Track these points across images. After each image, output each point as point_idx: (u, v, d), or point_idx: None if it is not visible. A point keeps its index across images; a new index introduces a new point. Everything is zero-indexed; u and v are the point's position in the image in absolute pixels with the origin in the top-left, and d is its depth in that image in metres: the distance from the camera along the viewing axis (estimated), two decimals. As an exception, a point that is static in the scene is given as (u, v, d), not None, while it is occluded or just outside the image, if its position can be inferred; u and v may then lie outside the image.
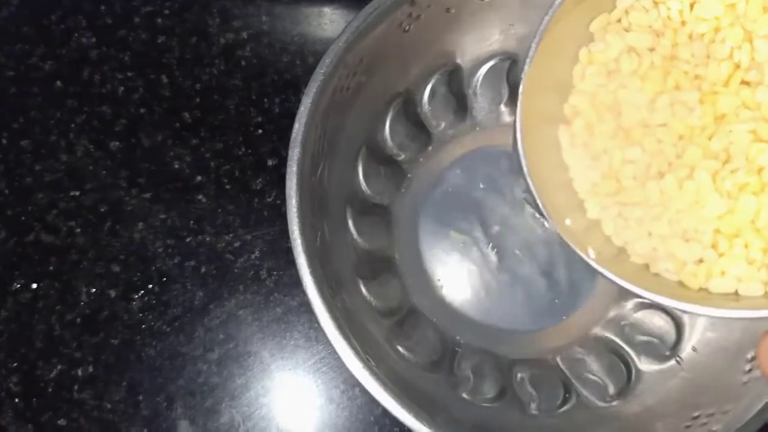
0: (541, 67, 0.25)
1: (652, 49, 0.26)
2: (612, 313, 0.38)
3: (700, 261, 0.25)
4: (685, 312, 0.24)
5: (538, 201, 0.25)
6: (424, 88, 0.39)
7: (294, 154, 0.31)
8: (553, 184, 0.26)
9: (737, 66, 0.25)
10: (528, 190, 0.25)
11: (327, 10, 0.44)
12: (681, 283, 0.25)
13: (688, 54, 0.26)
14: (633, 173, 0.26)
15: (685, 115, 0.25)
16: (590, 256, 0.24)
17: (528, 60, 0.25)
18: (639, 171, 0.26)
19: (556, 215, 0.25)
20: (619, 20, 0.27)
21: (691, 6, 0.26)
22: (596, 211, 0.26)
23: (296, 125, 0.31)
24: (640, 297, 0.24)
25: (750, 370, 0.33)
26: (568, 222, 0.25)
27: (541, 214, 0.25)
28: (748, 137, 0.25)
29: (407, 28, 0.35)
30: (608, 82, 0.26)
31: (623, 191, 0.26)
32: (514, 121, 0.25)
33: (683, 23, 0.26)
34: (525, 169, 0.25)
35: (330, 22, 0.43)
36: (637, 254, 0.26)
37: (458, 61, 0.39)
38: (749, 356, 0.33)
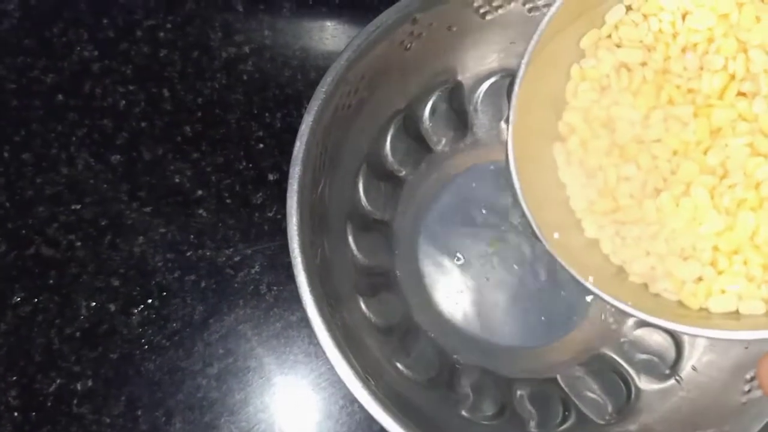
0: (535, 85, 0.25)
1: (643, 64, 0.26)
2: (612, 331, 0.38)
3: (700, 279, 0.25)
4: (685, 334, 0.24)
5: (532, 222, 0.25)
6: (425, 105, 0.39)
7: (295, 172, 0.31)
8: (549, 202, 0.26)
9: (732, 77, 0.25)
10: (522, 213, 0.25)
11: (329, 24, 0.44)
12: (681, 303, 0.25)
13: (680, 67, 0.26)
14: (629, 191, 0.26)
15: (679, 130, 0.25)
16: (587, 279, 0.24)
17: (518, 80, 0.25)
18: (635, 188, 0.26)
19: (550, 235, 0.25)
20: (610, 36, 0.27)
21: (683, 17, 0.26)
22: (594, 230, 0.26)
23: (297, 143, 0.31)
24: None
25: (749, 391, 0.33)
26: (556, 236, 0.25)
27: (534, 234, 0.25)
28: (745, 151, 0.24)
29: (409, 45, 0.35)
30: (601, 98, 0.26)
31: (620, 210, 0.26)
32: (506, 141, 0.25)
33: (675, 35, 0.26)
34: (517, 189, 0.25)
35: (332, 37, 0.44)
36: (635, 274, 0.26)
37: (459, 78, 0.39)
38: (748, 376, 0.33)
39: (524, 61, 0.25)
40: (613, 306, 0.24)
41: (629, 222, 0.26)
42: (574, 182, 0.26)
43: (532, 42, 0.25)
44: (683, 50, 0.26)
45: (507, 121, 0.25)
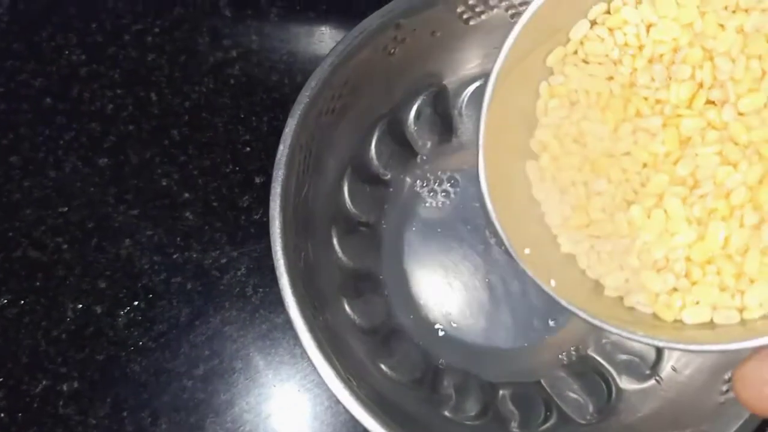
0: (506, 104, 0.25)
1: (610, 78, 0.26)
2: (594, 332, 0.38)
3: (674, 290, 0.25)
4: (659, 347, 0.24)
5: (505, 240, 0.25)
6: (410, 109, 0.39)
7: (278, 175, 0.31)
8: (524, 219, 0.26)
9: (700, 85, 0.25)
10: (495, 231, 0.25)
11: (316, 29, 0.44)
12: (655, 316, 0.25)
13: (647, 79, 0.26)
14: (601, 205, 0.26)
15: (648, 142, 0.25)
16: (562, 296, 0.24)
17: (485, 102, 0.25)
18: (606, 203, 0.26)
19: (522, 251, 0.25)
20: (576, 52, 0.27)
21: (648, 29, 0.26)
22: (569, 245, 0.26)
23: (281, 147, 0.32)
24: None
25: (727, 391, 0.33)
26: (527, 251, 0.25)
27: (508, 251, 0.25)
28: (714, 160, 0.24)
29: (393, 51, 0.36)
30: (571, 113, 0.26)
31: (593, 224, 0.26)
32: (478, 162, 0.25)
33: (641, 47, 0.26)
34: (490, 208, 0.25)
35: (319, 42, 0.44)
36: (610, 288, 0.26)
37: (443, 82, 0.39)
38: (726, 377, 0.33)
39: (490, 83, 0.25)
40: (587, 322, 0.24)
41: (603, 236, 0.26)
42: (548, 199, 0.26)
43: (497, 65, 0.25)
44: (650, 61, 0.26)
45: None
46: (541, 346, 0.38)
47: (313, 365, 0.30)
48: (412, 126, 0.40)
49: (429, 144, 0.40)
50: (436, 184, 0.40)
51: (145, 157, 0.41)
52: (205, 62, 0.43)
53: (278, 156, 0.31)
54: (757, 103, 0.24)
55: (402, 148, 0.40)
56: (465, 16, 0.36)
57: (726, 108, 0.25)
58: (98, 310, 0.39)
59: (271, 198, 0.31)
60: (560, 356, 0.38)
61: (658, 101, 0.26)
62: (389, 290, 0.38)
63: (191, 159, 0.41)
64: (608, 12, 0.26)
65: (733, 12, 0.25)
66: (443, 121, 0.40)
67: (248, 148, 0.41)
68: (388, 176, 0.40)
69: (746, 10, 0.25)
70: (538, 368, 0.38)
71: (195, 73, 0.42)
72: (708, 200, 0.24)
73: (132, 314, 0.39)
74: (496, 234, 0.25)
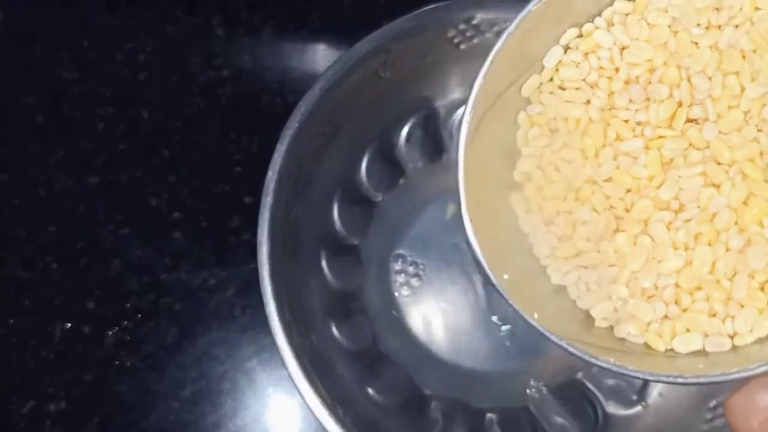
0: (486, 137, 0.25)
1: (588, 102, 0.26)
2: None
3: (665, 318, 0.24)
4: (652, 381, 0.23)
5: (491, 277, 0.24)
6: (401, 131, 0.40)
7: (266, 201, 0.31)
8: (513, 252, 0.25)
9: (679, 104, 0.25)
10: (482, 270, 0.24)
11: (308, 48, 0.44)
12: (647, 346, 0.24)
13: (625, 101, 0.25)
14: (586, 235, 0.25)
15: (630, 166, 0.25)
16: (544, 325, 0.23)
17: (462, 139, 0.24)
18: (591, 232, 0.25)
19: (508, 285, 0.24)
20: (551, 79, 0.26)
21: (621, 51, 0.25)
22: (558, 276, 0.26)
23: (269, 173, 0.32)
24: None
25: (712, 419, 0.33)
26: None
27: (493, 286, 0.24)
28: (698, 182, 0.24)
29: (383, 74, 0.36)
30: (552, 141, 0.26)
31: (581, 254, 0.25)
32: (459, 200, 0.24)
33: (617, 70, 0.25)
34: (475, 247, 0.24)
35: (311, 61, 0.44)
36: (599, 318, 0.25)
37: (434, 105, 0.39)
38: (712, 404, 0.34)
39: (466, 119, 0.24)
40: (577, 357, 0.23)
41: (590, 266, 0.25)
42: (535, 230, 0.26)
43: (472, 98, 0.24)
44: (627, 83, 0.25)
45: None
46: (530, 369, 0.38)
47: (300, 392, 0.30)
48: (403, 148, 0.40)
49: (419, 165, 0.41)
50: (426, 205, 0.40)
51: (135, 176, 0.41)
52: (196, 81, 0.43)
53: (267, 182, 0.32)
54: (737, 121, 0.24)
55: (392, 169, 0.40)
56: (456, 41, 0.36)
57: (707, 126, 0.24)
58: (86, 330, 0.39)
59: (259, 224, 0.31)
60: (548, 379, 0.38)
61: (639, 123, 0.25)
62: (377, 312, 0.38)
63: (181, 179, 0.41)
64: (581, 35, 0.26)
65: (706, 29, 0.25)
66: (434, 143, 0.40)
67: (238, 168, 0.42)
68: (378, 197, 0.40)
69: (719, 27, 0.25)
70: (525, 390, 0.38)
71: (186, 92, 0.43)
72: (692, 225, 0.24)
73: (120, 334, 0.39)
74: (482, 272, 0.24)
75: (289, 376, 0.30)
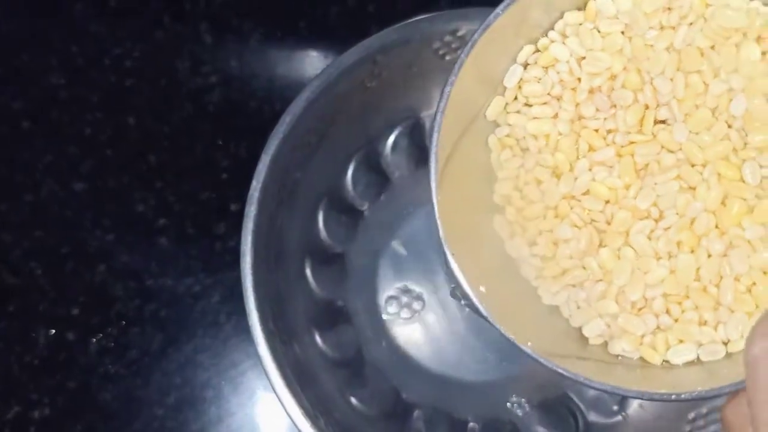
0: (463, 162, 0.25)
1: (555, 116, 0.25)
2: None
3: (658, 329, 0.24)
4: (652, 400, 0.23)
5: (475, 300, 0.24)
6: (387, 140, 0.40)
7: (250, 211, 0.31)
8: (500, 276, 0.25)
9: (647, 107, 0.25)
10: (464, 293, 0.24)
11: (295, 55, 0.44)
12: (643, 360, 0.24)
13: (592, 111, 0.25)
14: (568, 252, 0.25)
15: (605, 176, 0.25)
16: (535, 350, 0.23)
17: (432, 172, 0.24)
18: (574, 249, 0.25)
19: (495, 309, 0.24)
20: (516, 98, 0.26)
21: (580, 62, 0.25)
22: (548, 297, 0.25)
23: (254, 183, 0.32)
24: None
25: (690, 431, 0.34)
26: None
27: (480, 313, 0.24)
28: (673, 187, 0.24)
29: (369, 84, 0.36)
30: (525, 161, 0.26)
31: (567, 272, 0.25)
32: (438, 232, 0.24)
33: (579, 80, 0.25)
34: (458, 275, 0.24)
35: (299, 68, 0.44)
36: (592, 336, 0.25)
37: (419, 115, 0.40)
38: (691, 416, 0.34)
39: (433, 152, 0.24)
40: (572, 380, 0.23)
41: (577, 284, 0.25)
42: (520, 252, 0.26)
43: (433, 143, 0.24)
44: (591, 92, 0.25)
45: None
46: (513, 378, 0.38)
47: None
48: (389, 157, 0.40)
49: (405, 175, 0.41)
50: (411, 215, 0.40)
51: (122, 182, 0.41)
52: (184, 88, 0.43)
53: (251, 192, 0.32)
54: (706, 120, 0.24)
55: (378, 178, 0.40)
56: (441, 52, 0.36)
57: (676, 127, 0.24)
58: (71, 336, 0.39)
59: (242, 235, 0.31)
60: (530, 389, 0.38)
61: (609, 131, 0.25)
62: (361, 321, 0.38)
63: (168, 185, 0.41)
64: (538, 51, 0.26)
65: (661, 29, 0.25)
66: (420, 153, 0.40)
67: (225, 175, 0.42)
68: (364, 206, 0.40)
69: (673, 28, 0.24)
70: (507, 400, 0.38)
71: (174, 98, 0.43)
72: (672, 232, 0.24)
73: (104, 341, 0.39)
74: (465, 296, 0.24)
75: (272, 386, 0.30)
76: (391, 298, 0.39)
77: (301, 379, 0.32)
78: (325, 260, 0.38)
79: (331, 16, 0.44)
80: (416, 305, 0.39)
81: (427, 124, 0.40)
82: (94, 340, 0.39)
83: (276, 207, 0.34)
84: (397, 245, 0.39)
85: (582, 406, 0.37)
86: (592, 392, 0.38)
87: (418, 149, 0.40)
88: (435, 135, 0.24)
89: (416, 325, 0.38)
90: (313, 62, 0.44)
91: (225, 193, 0.41)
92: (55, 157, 0.42)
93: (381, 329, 0.38)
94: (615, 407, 0.37)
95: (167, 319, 0.39)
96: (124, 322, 0.39)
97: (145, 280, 0.40)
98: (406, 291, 0.39)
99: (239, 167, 0.42)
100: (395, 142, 0.40)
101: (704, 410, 0.33)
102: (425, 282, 0.39)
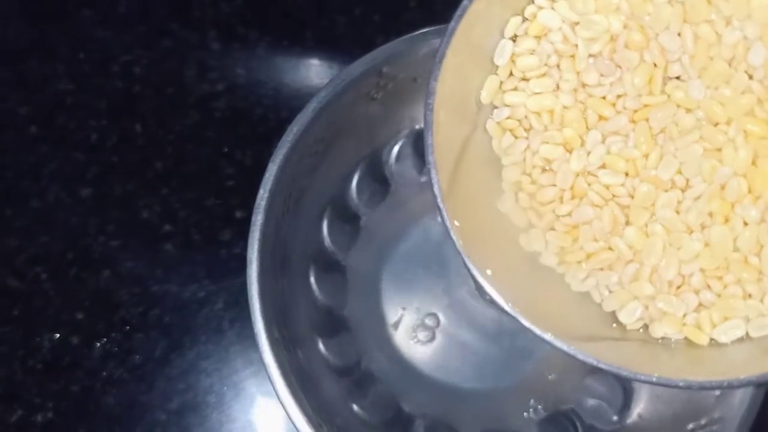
0: (472, 151, 0.24)
1: (557, 89, 0.23)
2: (564, 376, 0.39)
3: (700, 306, 0.23)
4: (703, 389, 0.21)
5: (499, 301, 0.22)
6: (391, 150, 0.40)
7: (257, 220, 0.32)
8: (521, 267, 0.24)
9: (655, 65, 0.23)
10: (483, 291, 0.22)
11: (301, 64, 0.45)
12: (689, 342, 0.22)
13: (596, 77, 0.23)
14: (591, 235, 0.23)
15: (622, 148, 0.23)
16: (578, 348, 0.21)
17: (434, 182, 0.23)
18: (597, 229, 0.23)
19: (523, 308, 0.22)
20: (511, 74, 0.24)
21: (574, 28, 0.23)
22: (576, 283, 0.24)
23: (261, 192, 0.32)
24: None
25: (689, 442, 0.34)
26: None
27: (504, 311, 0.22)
28: (697, 151, 0.22)
29: (375, 96, 0.36)
30: (530, 143, 0.24)
31: (592, 256, 0.23)
32: (445, 225, 0.23)
33: (576, 46, 0.23)
34: (476, 275, 0.22)
35: (304, 77, 0.45)
36: (630, 321, 0.23)
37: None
38: (689, 427, 0.34)
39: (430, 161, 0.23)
40: (615, 374, 0.21)
41: (605, 267, 0.23)
42: (540, 242, 0.24)
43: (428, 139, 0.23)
44: (592, 56, 0.23)
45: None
46: (512, 388, 0.38)
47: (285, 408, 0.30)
48: (393, 167, 0.40)
49: (409, 183, 0.41)
50: (415, 223, 0.41)
51: (127, 189, 0.41)
52: (191, 95, 0.43)
53: (258, 201, 0.32)
54: (723, 72, 0.22)
55: (382, 187, 0.40)
56: (447, 64, 0.36)
57: (692, 84, 0.22)
58: (75, 340, 0.39)
59: (249, 243, 0.31)
60: (530, 399, 0.39)
61: (618, 96, 0.23)
62: (364, 329, 0.39)
63: (174, 191, 0.41)
64: (527, 19, 0.24)
65: None
66: (424, 162, 0.41)
67: (231, 182, 0.42)
68: (368, 215, 0.40)
69: None
70: (507, 408, 0.38)
71: (181, 105, 0.43)
72: (702, 203, 0.22)
73: (108, 346, 0.39)
74: (483, 292, 0.22)
75: (276, 393, 0.30)
76: (393, 307, 0.39)
77: (304, 387, 0.32)
78: (329, 268, 0.38)
79: (337, 26, 0.44)
80: (419, 315, 0.39)
81: (432, 135, 0.41)
82: (99, 344, 0.39)
83: (282, 215, 0.34)
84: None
85: (582, 416, 0.38)
86: (591, 401, 0.38)
87: (422, 159, 0.41)
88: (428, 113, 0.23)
89: (418, 335, 0.39)
90: (318, 71, 0.45)
91: (230, 201, 0.42)
92: (61, 163, 0.42)
93: (382, 338, 0.39)
94: (615, 417, 0.37)
95: (171, 325, 0.39)
96: (128, 328, 0.39)
97: (150, 286, 0.40)
98: (409, 300, 0.39)
99: (245, 174, 0.42)
100: (400, 152, 0.40)
101: (703, 421, 0.34)
102: (428, 292, 0.39)
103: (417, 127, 0.40)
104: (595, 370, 0.37)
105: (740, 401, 0.32)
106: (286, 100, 0.44)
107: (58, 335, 0.39)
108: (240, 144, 0.43)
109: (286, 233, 0.35)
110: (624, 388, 0.37)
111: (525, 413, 0.38)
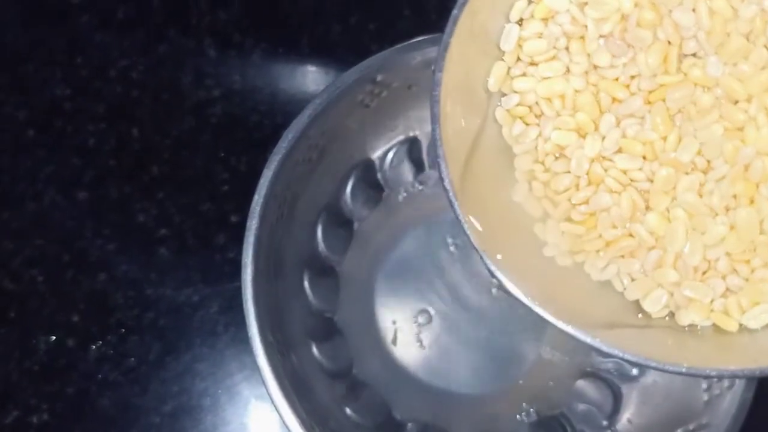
0: (484, 138, 0.23)
1: (567, 72, 0.23)
2: (555, 381, 0.39)
3: (728, 291, 0.22)
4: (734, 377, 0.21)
5: (522, 297, 0.21)
6: (385, 157, 0.40)
7: (252, 224, 0.32)
8: (535, 258, 0.23)
9: (669, 43, 0.22)
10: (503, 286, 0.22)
11: (297, 71, 0.45)
12: (717, 329, 0.22)
13: (608, 58, 0.22)
14: (610, 222, 0.22)
15: (638, 131, 0.22)
16: (602, 339, 0.21)
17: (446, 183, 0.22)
18: (616, 216, 0.22)
19: (544, 302, 0.21)
20: (519, 59, 0.23)
21: (583, 8, 0.22)
22: (596, 273, 0.23)
23: (256, 197, 0.33)
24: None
25: (678, 448, 0.34)
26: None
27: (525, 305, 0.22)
28: (717, 131, 0.21)
29: (369, 103, 0.37)
30: (542, 129, 0.23)
31: (612, 244, 0.23)
32: (458, 217, 0.22)
33: (585, 27, 0.23)
34: (490, 266, 0.21)
35: (300, 84, 0.45)
36: (655, 309, 0.23)
37: (418, 132, 0.40)
38: (678, 432, 0.35)
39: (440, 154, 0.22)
40: (642, 365, 0.21)
41: (626, 255, 0.23)
42: (555, 232, 0.23)
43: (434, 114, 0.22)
44: (603, 37, 0.22)
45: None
46: (504, 392, 0.39)
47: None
48: (387, 173, 0.41)
49: (403, 190, 0.42)
50: (409, 229, 0.41)
51: (124, 192, 0.42)
52: (187, 100, 0.44)
53: (253, 206, 0.32)
54: (741, 47, 0.21)
55: (376, 193, 0.41)
56: (441, 72, 0.37)
57: (709, 61, 0.21)
58: (70, 343, 0.39)
59: (244, 248, 0.32)
60: (521, 403, 0.39)
61: (632, 77, 0.22)
62: (358, 334, 0.39)
63: (169, 196, 0.42)
64: (532, 1, 0.23)
65: None
66: (418, 169, 0.41)
67: (226, 187, 0.42)
68: (362, 221, 0.41)
69: None
70: (499, 413, 0.39)
71: (177, 110, 0.43)
72: (725, 185, 0.21)
73: (103, 348, 0.39)
74: (501, 287, 0.22)
75: (270, 397, 0.31)
76: (386, 312, 0.39)
77: (298, 390, 0.32)
78: (323, 273, 0.39)
79: (332, 33, 0.44)
80: (412, 320, 0.39)
81: (425, 142, 0.41)
82: (94, 347, 0.39)
83: (276, 220, 0.35)
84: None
85: (572, 421, 0.38)
86: (581, 406, 0.38)
87: (415, 166, 0.41)
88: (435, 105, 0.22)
89: (411, 340, 0.39)
90: (313, 78, 0.45)
91: (225, 205, 0.42)
92: (58, 167, 0.42)
93: (376, 343, 0.39)
94: (605, 422, 0.38)
95: (166, 328, 0.40)
96: (123, 330, 0.40)
97: (145, 290, 0.40)
98: (402, 305, 0.40)
99: (239, 180, 0.42)
100: (394, 158, 0.41)
101: (691, 427, 0.34)
102: (422, 297, 0.40)
103: (411, 134, 0.40)
104: (585, 375, 0.39)
105: (728, 407, 0.32)
106: (281, 107, 0.44)
107: (53, 337, 0.40)
108: (235, 149, 0.43)
109: (281, 238, 0.36)
110: (614, 393, 0.38)
111: (517, 416, 0.38)
